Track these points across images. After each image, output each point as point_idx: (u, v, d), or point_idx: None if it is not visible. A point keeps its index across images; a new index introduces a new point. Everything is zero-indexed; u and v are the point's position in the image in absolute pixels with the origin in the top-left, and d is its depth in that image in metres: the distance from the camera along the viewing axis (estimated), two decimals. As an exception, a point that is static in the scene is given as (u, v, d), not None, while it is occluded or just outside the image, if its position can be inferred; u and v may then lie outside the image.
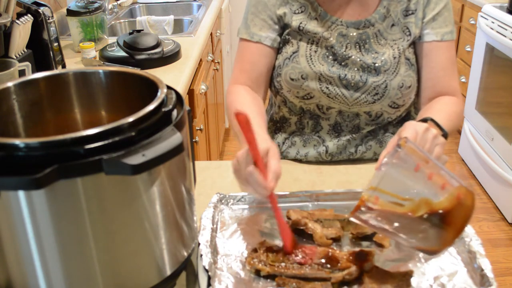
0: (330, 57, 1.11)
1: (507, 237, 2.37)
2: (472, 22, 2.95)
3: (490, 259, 0.76)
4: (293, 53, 1.12)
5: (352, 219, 0.75)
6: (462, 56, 3.13)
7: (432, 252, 0.75)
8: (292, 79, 1.12)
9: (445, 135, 0.96)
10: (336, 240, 0.85)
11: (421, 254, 0.81)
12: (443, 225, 0.71)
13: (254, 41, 1.14)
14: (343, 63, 1.11)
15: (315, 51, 1.11)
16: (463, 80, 3.05)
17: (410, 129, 0.87)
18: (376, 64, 1.09)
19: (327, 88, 1.11)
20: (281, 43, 1.15)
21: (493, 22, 2.58)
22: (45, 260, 0.60)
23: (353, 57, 1.10)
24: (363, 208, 0.72)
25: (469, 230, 0.82)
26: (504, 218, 2.48)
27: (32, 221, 0.57)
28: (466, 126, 2.95)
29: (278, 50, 1.16)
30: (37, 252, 0.59)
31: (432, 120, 0.97)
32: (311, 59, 1.11)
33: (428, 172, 0.72)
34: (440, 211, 0.70)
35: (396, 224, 0.73)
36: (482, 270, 0.75)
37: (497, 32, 2.52)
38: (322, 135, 1.18)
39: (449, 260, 0.80)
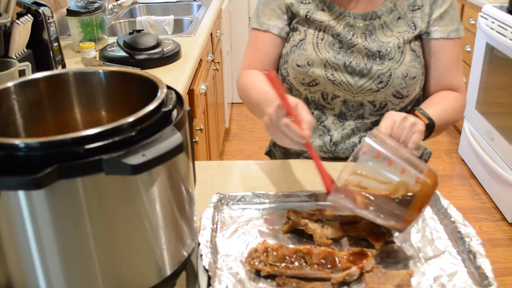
0: (336, 44, 1.14)
1: (507, 237, 2.37)
2: (472, 22, 2.95)
3: (490, 259, 0.76)
4: (300, 40, 1.16)
5: (329, 200, 0.84)
6: (462, 56, 3.12)
7: (398, 230, 0.83)
8: (298, 66, 1.15)
9: (431, 124, 1.02)
10: (336, 240, 0.85)
11: (421, 254, 0.82)
12: (408, 206, 0.79)
13: (263, 30, 1.20)
14: (348, 51, 1.14)
15: (322, 39, 1.15)
16: (463, 80, 3.05)
17: (388, 118, 0.94)
18: (381, 52, 1.12)
19: (332, 75, 1.14)
20: (290, 31, 1.19)
21: (493, 22, 2.58)
22: (45, 260, 0.60)
23: (358, 45, 1.13)
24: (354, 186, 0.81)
25: (469, 230, 0.83)
26: (504, 218, 2.48)
27: (32, 221, 0.57)
28: (466, 126, 2.94)
29: (286, 39, 1.20)
30: (37, 252, 0.59)
31: (420, 110, 1.04)
32: (317, 46, 1.14)
33: (388, 160, 0.81)
34: (410, 194, 0.79)
35: (367, 205, 0.81)
36: (482, 270, 0.75)
37: (497, 32, 2.52)
38: (327, 124, 1.21)
39: (449, 260, 0.80)
